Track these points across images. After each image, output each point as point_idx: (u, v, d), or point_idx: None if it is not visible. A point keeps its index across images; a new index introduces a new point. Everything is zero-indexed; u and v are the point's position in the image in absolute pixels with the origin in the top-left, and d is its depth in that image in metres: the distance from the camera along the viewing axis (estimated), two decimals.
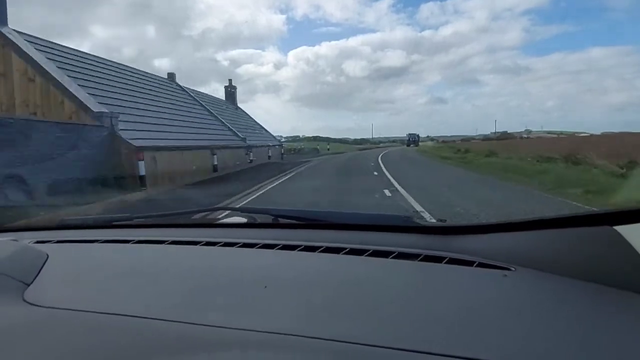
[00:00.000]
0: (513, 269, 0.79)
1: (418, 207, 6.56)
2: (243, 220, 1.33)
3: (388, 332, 0.58)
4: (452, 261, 0.85)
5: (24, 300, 0.71)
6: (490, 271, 0.80)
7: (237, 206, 1.38)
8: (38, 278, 0.81)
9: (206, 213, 1.52)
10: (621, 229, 0.70)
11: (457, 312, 0.65)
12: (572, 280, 0.73)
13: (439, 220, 1.25)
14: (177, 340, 0.57)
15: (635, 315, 0.63)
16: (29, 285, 0.77)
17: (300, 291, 0.77)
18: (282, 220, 1.24)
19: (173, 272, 0.89)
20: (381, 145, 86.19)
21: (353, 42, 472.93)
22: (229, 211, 1.48)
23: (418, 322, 0.62)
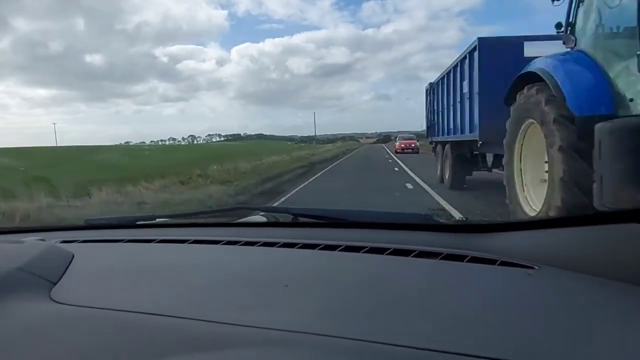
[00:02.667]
0: (537, 267, 0.78)
1: None
2: (263, 219, 1.35)
3: (409, 332, 0.58)
4: (474, 260, 0.84)
5: (51, 299, 0.73)
6: (513, 270, 0.79)
7: (258, 206, 1.38)
8: (64, 277, 0.83)
9: (227, 212, 1.53)
10: None
11: (479, 311, 0.65)
12: (598, 279, 0.72)
13: (461, 218, 1.27)
14: (199, 337, 0.59)
15: None
16: (55, 284, 0.79)
17: (320, 290, 0.77)
18: (302, 219, 1.24)
19: (194, 271, 0.90)
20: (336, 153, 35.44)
21: (297, 39, 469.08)
22: (249, 210, 1.50)
23: (439, 321, 0.62)
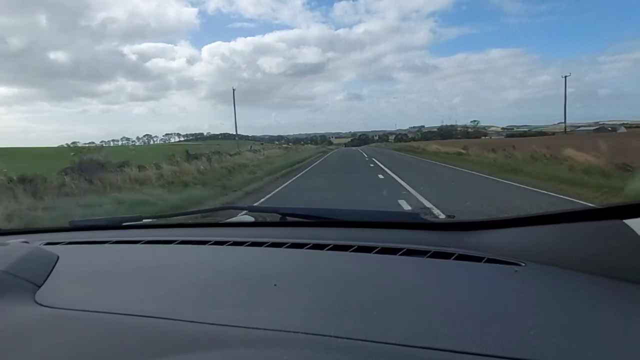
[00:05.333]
0: (523, 264, 0.79)
1: None
2: (251, 219, 1.34)
3: (397, 329, 0.58)
4: (461, 257, 0.85)
5: (35, 302, 0.72)
6: (500, 267, 0.80)
7: (245, 205, 1.37)
8: (49, 279, 0.82)
9: (214, 213, 1.52)
10: (632, 222, 0.70)
11: (466, 308, 0.65)
12: (583, 275, 0.73)
13: (448, 216, 1.28)
14: (188, 338, 0.58)
15: None
16: (40, 286, 0.78)
17: (309, 289, 0.77)
18: (290, 219, 1.24)
19: (182, 272, 0.90)
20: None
21: (269, 38, 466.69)
22: (237, 210, 1.48)
23: (427, 318, 0.62)
